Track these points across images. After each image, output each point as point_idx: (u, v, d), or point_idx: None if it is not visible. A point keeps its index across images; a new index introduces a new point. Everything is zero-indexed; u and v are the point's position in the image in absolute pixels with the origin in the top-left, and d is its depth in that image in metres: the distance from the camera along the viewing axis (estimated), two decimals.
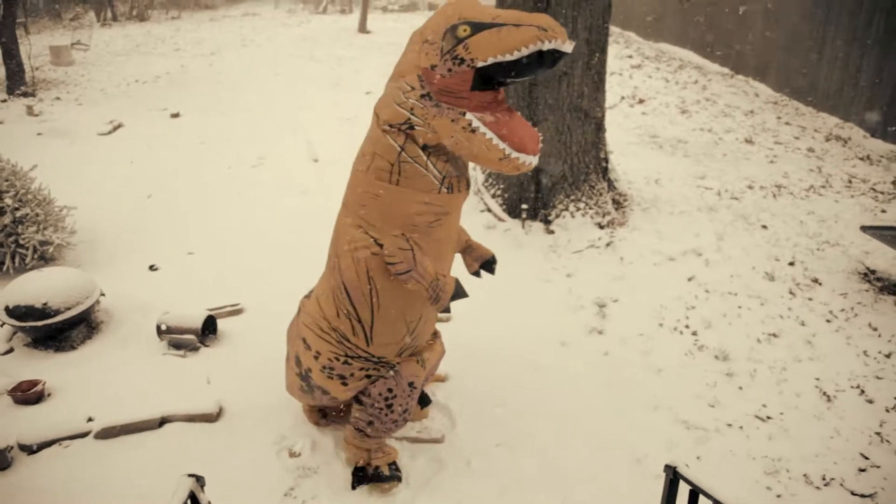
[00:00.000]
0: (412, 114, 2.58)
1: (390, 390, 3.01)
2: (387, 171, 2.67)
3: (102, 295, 4.40)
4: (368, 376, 3.00)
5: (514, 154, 2.55)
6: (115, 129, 8.20)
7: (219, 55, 12.42)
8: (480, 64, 2.43)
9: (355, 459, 3.15)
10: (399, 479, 3.15)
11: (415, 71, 2.59)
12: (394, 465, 3.19)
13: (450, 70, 2.48)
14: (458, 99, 2.54)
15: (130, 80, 10.61)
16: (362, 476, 3.12)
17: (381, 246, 2.74)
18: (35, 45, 12.30)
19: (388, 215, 2.72)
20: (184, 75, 10.92)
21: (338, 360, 2.94)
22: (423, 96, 2.57)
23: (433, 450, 3.38)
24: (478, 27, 2.42)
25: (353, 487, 3.09)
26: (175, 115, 8.69)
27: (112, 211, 6.03)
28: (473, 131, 2.53)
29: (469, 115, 2.54)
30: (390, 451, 3.19)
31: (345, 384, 3.00)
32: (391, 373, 3.01)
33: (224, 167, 7.05)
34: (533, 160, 2.59)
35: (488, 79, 2.50)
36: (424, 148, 2.65)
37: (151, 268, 5.15)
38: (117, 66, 11.63)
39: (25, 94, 9.80)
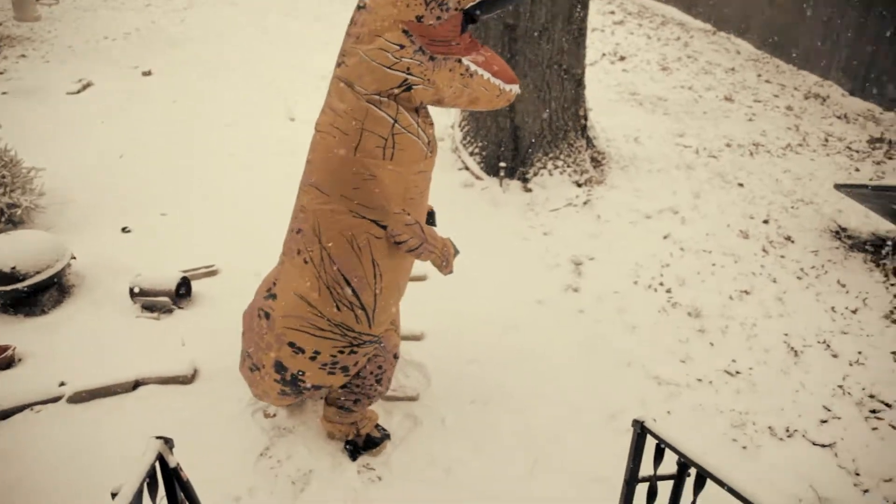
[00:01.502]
0: (409, 73, 2.42)
1: (380, 367, 3.00)
2: (380, 147, 2.49)
3: (73, 258, 4.33)
4: (370, 359, 2.96)
5: (507, 87, 2.62)
6: (85, 87, 7.97)
7: (192, 11, 12.05)
8: (469, 5, 2.39)
9: (343, 435, 3.15)
10: (388, 437, 3.21)
11: (396, 27, 2.38)
12: (378, 426, 3.23)
13: (438, 18, 2.38)
14: (451, 46, 2.48)
15: (99, 37, 10.29)
16: (356, 448, 3.13)
17: (383, 228, 2.63)
18: None
19: (388, 194, 2.57)
20: (155, 32, 10.60)
21: (342, 352, 2.80)
22: (416, 52, 2.41)
23: (408, 407, 3.43)
24: None
25: (354, 459, 3.12)
26: (147, 73, 8.46)
27: (82, 172, 5.90)
28: (471, 76, 2.54)
29: (465, 61, 2.51)
30: (371, 414, 3.21)
31: (347, 374, 2.90)
32: (381, 349, 2.96)
33: (198, 126, 6.90)
34: (518, 89, 2.69)
35: (470, 18, 2.48)
36: (416, 112, 2.56)
37: (124, 230, 5.07)
38: (85, 22, 11.26)
39: None
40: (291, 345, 2.75)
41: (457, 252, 2.99)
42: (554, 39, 5.37)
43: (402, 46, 2.39)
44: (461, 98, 2.58)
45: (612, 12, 12.02)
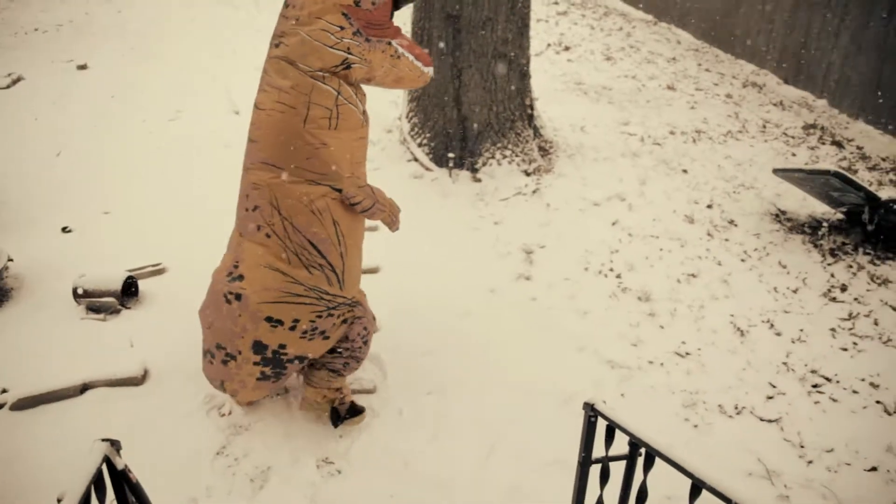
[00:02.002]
0: (349, 53, 2.68)
1: (365, 328, 3.10)
2: (326, 118, 2.71)
3: (10, 260, 4.15)
4: (345, 321, 3.01)
5: (426, 69, 2.98)
6: (15, 82, 7.62)
7: (128, 1, 11.66)
8: None
9: (327, 402, 3.20)
10: (364, 410, 3.27)
11: (335, 10, 2.62)
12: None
13: (373, 3, 2.66)
14: (384, 30, 2.77)
15: (29, 29, 9.85)
16: (339, 415, 3.19)
17: (338, 191, 2.81)
18: None
19: (338, 160, 2.78)
20: (90, 23, 10.21)
21: (320, 316, 2.89)
22: (355, 33, 2.67)
23: (365, 400, 3.41)
24: None
25: (336, 426, 3.19)
26: (82, 67, 8.14)
27: (17, 172, 5.66)
28: (399, 57, 2.85)
29: (394, 44, 2.82)
30: (348, 389, 3.29)
31: (327, 338, 2.97)
32: (360, 310, 3.07)
33: (139, 121, 6.69)
34: (432, 72, 3.05)
35: (395, 4, 2.80)
36: (352, 85, 2.80)
37: (64, 229, 4.89)
38: (11, 13, 10.76)
39: None
40: (269, 319, 2.81)
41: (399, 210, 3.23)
42: (497, 30, 5.41)
43: (342, 28, 2.64)
44: (388, 77, 2.87)
45: (556, 2, 12.15)
